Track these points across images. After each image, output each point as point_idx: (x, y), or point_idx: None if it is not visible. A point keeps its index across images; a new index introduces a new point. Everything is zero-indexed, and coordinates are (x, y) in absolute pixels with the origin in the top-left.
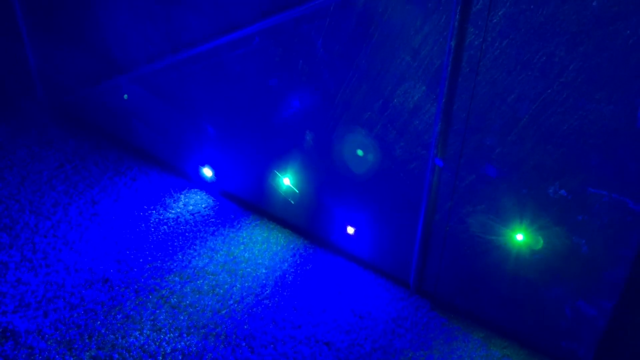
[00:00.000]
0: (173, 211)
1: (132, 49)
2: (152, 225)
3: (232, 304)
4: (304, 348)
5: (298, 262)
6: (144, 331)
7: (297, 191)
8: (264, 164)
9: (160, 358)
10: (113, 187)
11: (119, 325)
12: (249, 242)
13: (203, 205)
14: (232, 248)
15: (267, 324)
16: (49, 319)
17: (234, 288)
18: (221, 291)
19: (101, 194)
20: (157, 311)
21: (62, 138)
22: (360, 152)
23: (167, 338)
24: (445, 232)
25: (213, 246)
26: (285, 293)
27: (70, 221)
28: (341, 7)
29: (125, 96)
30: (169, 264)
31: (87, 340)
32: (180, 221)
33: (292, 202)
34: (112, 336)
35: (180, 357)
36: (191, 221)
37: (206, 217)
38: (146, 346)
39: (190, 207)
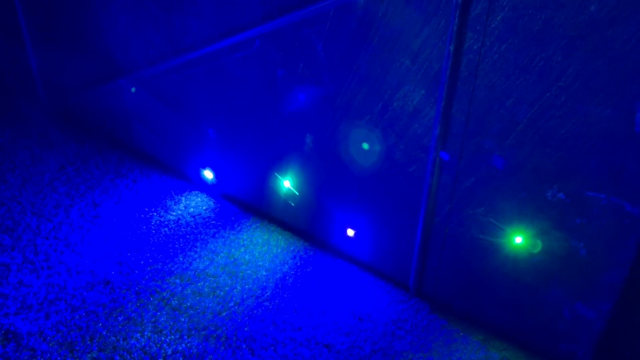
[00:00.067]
0: (174, 213)
1: (134, 52)
2: (153, 227)
3: (232, 306)
4: (304, 350)
5: (298, 264)
6: (145, 333)
7: (298, 193)
8: (264, 167)
9: None
10: (114, 189)
11: (120, 327)
12: (250, 245)
13: (204, 208)
14: (233, 250)
15: (268, 326)
16: (50, 321)
17: (235, 290)
18: (222, 293)
19: (102, 196)
20: (158, 313)
21: (63, 140)
22: (360, 155)
23: (168, 340)
24: (445, 235)
25: (214, 248)
26: (285, 295)
27: (71, 223)
28: (341, 11)
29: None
30: (170, 266)
31: (88, 342)
32: (181, 223)
33: (293, 205)
34: (113, 338)
35: (181, 359)
36: (192, 223)
37: (207, 219)
38: (147, 348)
39: (191, 210)
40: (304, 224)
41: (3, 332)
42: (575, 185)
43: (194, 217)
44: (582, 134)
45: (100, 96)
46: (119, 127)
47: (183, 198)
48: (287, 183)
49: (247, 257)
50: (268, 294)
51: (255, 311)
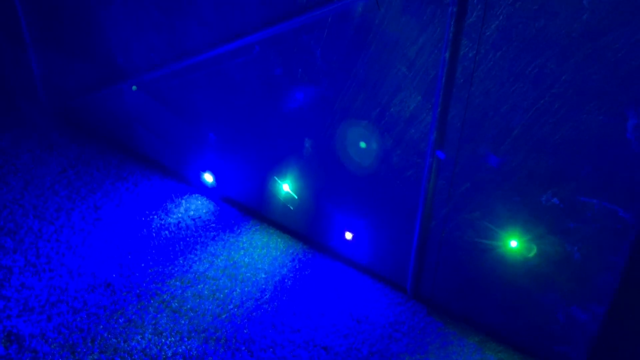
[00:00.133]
0: (174, 216)
1: (135, 56)
2: (153, 230)
3: (232, 309)
4: (302, 352)
5: (297, 267)
6: (146, 335)
7: (297, 197)
8: (264, 170)
9: None
10: (115, 192)
11: (121, 329)
12: (249, 247)
13: (204, 211)
14: (233, 253)
15: (267, 328)
16: (52, 323)
17: (234, 292)
18: (221, 296)
19: (104, 199)
20: (159, 315)
21: (64, 143)
22: (358, 159)
23: (168, 342)
24: (441, 238)
25: (214, 251)
26: (284, 297)
27: (73, 226)
28: (339, 18)
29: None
30: (170, 268)
31: (90, 344)
32: (181, 226)
33: (292, 208)
34: (114, 340)
35: None
36: (192, 226)
37: (207, 222)
38: (148, 350)
39: (192, 212)
40: (303, 227)
41: (5, 334)
42: (569, 191)
43: (194, 220)
44: (576, 140)
45: (102, 99)
46: (120, 130)
47: (183, 201)
48: (286, 187)
49: (246, 259)
50: (267, 296)
51: (254, 313)
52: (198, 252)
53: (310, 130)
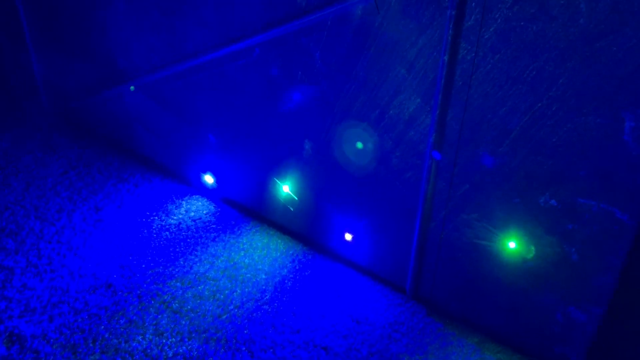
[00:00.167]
0: (175, 217)
1: (136, 58)
2: (154, 231)
3: (232, 309)
4: (302, 352)
5: (297, 268)
6: (147, 335)
7: (297, 198)
8: (264, 172)
9: None
10: (116, 193)
11: (122, 329)
12: (249, 248)
13: (204, 212)
14: (233, 254)
15: (267, 329)
16: (54, 324)
17: (235, 293)
18: (222, 296)
19: (105, 200)
20: (160, 316)
21: (66, 145)
22: (357, 161)
23: (169, 342)
24: (440, 240)
25: (214, 252)
26: (284, 298)
27: (74, 227)
28: (338, 21)
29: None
30: (171, 269)
31: (91, 345)
32: (182, 227)
33: (292, 209)
34: (115, 340)
35: None
36: (193, 227)
37: (207, 223)
38: (149, 350)
39: (192, 214)
40: (303, 228)
41: (7, 334)
42: (567, 192)
43: (194, 221)
44: (573, 142)
45: (103, 101)
46: (121, 132)
47: (184, 202)
48: (286, 188)
49: (247, 260)
50: (267, 297)
51: (254, 314)
52: (198, 253)
53: (310, 132)
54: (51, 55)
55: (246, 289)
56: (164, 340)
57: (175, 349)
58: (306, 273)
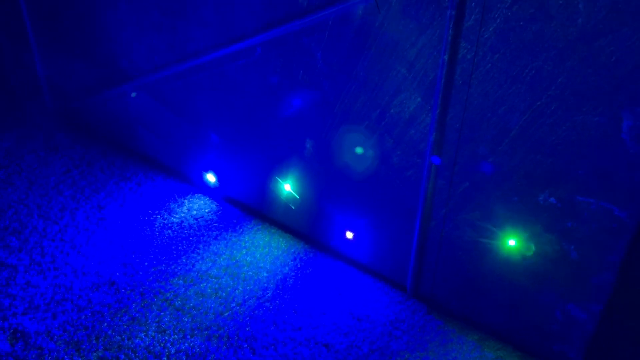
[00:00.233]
0: (177, 216)
1: (138, 58)
2: (157, 229)
3: (234, 307)
4: (303, 349)
5: (299, 266)
6: (149, 333)
7: (298, 197)
8: (265, 170)
9: (165, 359)
10: (119, 192)
11: (125, 326)
12: (251, 247)
13: (206, 210)
14: (235, 252)
15: (269, 326)
16: (57, 321)
17: (237, 291)
18: (224, 294)
19: (107, 199)
20: (162, 313)
21: (69, 144)
22: (358, 160)
23: (171, 339)
24: (441, 238)
25: (216, 250)
26: (286, 296)
27: (77, 225)
28: (340, 21)
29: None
30: (173, 267)
31: (94, 341)
32: (184, 225)
33: (293, 208)
34: (118, 337)
35: (184, 358)
36: (195, 226)
37: (209, 222)
38: (151, 347)
39: (194, 212)
40: (305, 226)
41: (11, 331)
42: (566, 190)
43: (196, 219)
44: (572, 140)
45: (105, 101)
46: (124, 131)
47: (186, 201)
48: (287, 186)
49: (248, 258)
50: (269, 294)
51: (256, 311)
52: (201, 251)
53: (311, 131)
54: (53, 55)
55: (248, 287)
56: (167, 338)
57: (178, 345)
58: (307, 271)
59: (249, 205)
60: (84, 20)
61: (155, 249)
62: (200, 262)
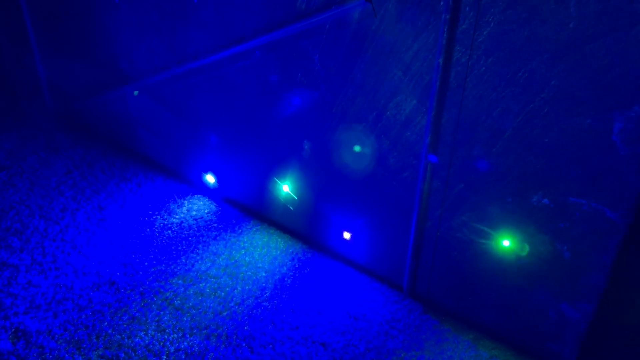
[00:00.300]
0: (177, 216)
1: (138, 61)
2: (156, 230)
3: (233, 306)
4: (301, 348)
5: (296, 266)
6: (149, 332)
7: (296, 198)
8: (264, 172)
9: (165, 357)
10: (119, 193)
11: (125, 325)
12: (250, 247)
13: (206, 211)
14: (234, 252)
15: (267, 325)
16: (58, 320)
17: (235, 291)
18: (223, 294)
19: (108, 200)
20: (162, 312)
21: (69, 145)
22: (355, 161)
23: (170, 338)
24: (436, 238)
25: (215, 250)
26: (284, 296)
27: (78, 226)
28: (337, 25)
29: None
30: (173, 267)
31: (94, 340)
32: (183, 226)
33: (291, 208)
34: (118, 336)
35: (183, 357)
36: (194, 226)
37: (209, 222)
38: (151, 346)
39: (194, 213)
40: (303, 227)
41: (13, 330)
42: (559, 192)
43: (196, 220)
44: (564, 142)
45: (106, 102)
46: (124, 133)
47: (186, 201)
48: (286, 187)
49: (247, 259)
50: (267, 294)
51: (254, 311)
52: (200, 251)
53: (309, 133)
54: (54, 56)
55: (246, 287)
56: (166, 336)
57: (177, 344)
58: (305, 271)
59: (247, 206)
60: (84, 22)
61: (155, 249)
62: (199, 262)
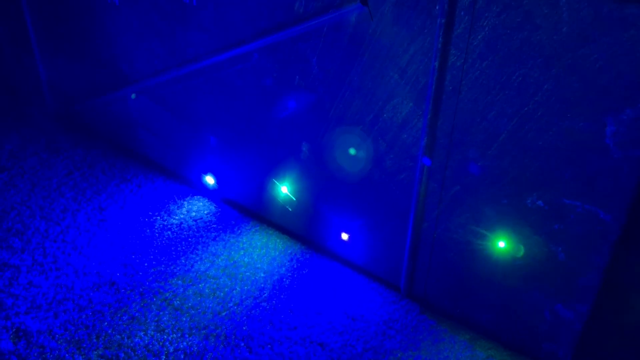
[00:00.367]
0: (177, 217)
1: (139, 62)
2: (156, 230)
3: (232, 306)
4: (299, 348)
5: (295, 266)
6: (149, 332)
7: (295, 199)
8: (263, 173)
9: (164, 357)
10: (119, 193)
11: (124, 326)
12: (249, 247)
13: (205, 212)
14: (233, 253)
15: (265, 326)
16: (59, 320)
17: (234, 291)
18: (222, 294)
19: (108, 201)
20: (161, 313)
21: (70, 146)
22: (353, 163)
23: (170, 338)
24: (433, 239)
25: (214, 251)
26: (282, 296)
27: (78, 227)
28: (334, 28)
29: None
30: (172, 268)
31: (94, 340)
32: (183, 227)
33: (290, 210)
34: (118, 336)
35: (182, 357)
36: (194, 227)
37: (208, 223)
38: (150, 346)
39: (193, 214)
40: (301, 228)
41: (14, 330)
42: (553, 194)
43: (195, 221)
44: (558, 145)
45: (106, 104)
46: (124, 134)
47: (185, 202)
48: (284, 189)
49: (246, 259)
50: (266, 295)
51: (253, 311)
52: (199, 252)
53: (307, 135)
54: (55, 57)
55: (245, 287)
56: (165, 336)
57: (176, 344)
58: (304, 272)
59: (247, 207)
60: (85, 23)
61: (155, 250)
62: (198, 262)
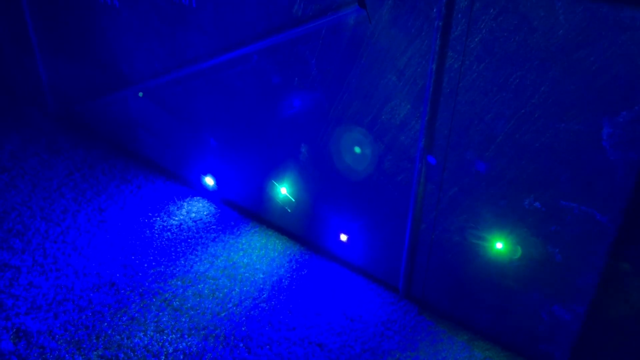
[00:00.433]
0: (176, 218)
1: (139, 64)
2: (156, 231)
3: (231, 307)
4: (298, 349)
5: (294, 267)
6: (148, 332)
7: (294, 200)
8: (262, 174)
9: (163, 358)
10: (119, 194)
11: (124, 326)
12: (248, 248)
13: (205, 213)
14: (232, 254)
15: (264, 326)
16: (59, 320)
17: (233, 292)
18: (221, 295)
19: (108, 202)
20: (160, 313)
21: (71, 147)
22: (351, 164)
23: (169, 339)
24: (431, 241)
25: (214, 252)
26: (281, 297)
27: (79, 227)
28: (333, 30)
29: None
30: (172, 268)
31: (94, 341)
32: (183, 228)
33: (289, 211)
34: (118, 337)
35: (181, 357)
36: (193, 228)
37: (208, 224)
38: (150, 346)
39: (193, 215)
40: (300, 229)
41: (14, 330)
42: (550, 195)
43: (195, 221)
44: (555, 147)
45: (107, 105)
46: (125, 135)
47: (185, 203)
48: (283, 190)
49: (245, 260)
50: (265, 295)
51: (252, 312)
52: (199, 253)
53: (306, 136)
54: (56, 58)
55: (244, 288)
56: (165, 337)
57: (176, 345)
58: (303, 272)
59: (246, 208)
60: (85, 24)
61: (155, 251)
62: (198, 263)
